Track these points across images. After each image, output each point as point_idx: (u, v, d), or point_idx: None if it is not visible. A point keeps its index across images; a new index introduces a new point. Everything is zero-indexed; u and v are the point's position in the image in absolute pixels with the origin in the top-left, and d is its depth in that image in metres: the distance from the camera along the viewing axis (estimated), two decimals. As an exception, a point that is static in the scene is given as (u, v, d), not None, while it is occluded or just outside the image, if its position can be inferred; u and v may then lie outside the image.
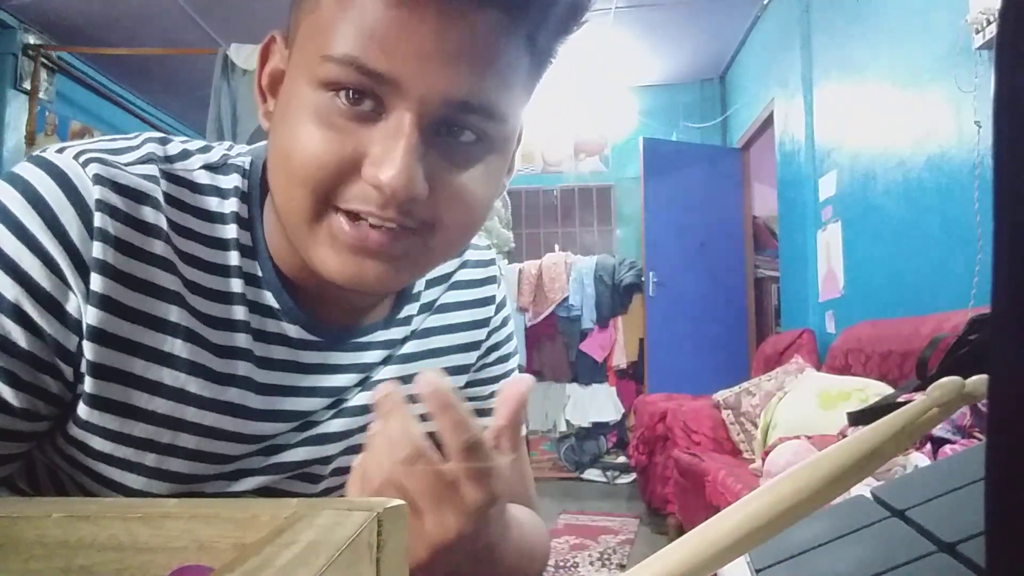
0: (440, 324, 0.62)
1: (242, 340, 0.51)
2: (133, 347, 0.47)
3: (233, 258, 0.51)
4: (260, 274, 0.52)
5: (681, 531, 2.90)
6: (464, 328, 0.64)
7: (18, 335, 0.44)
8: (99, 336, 0.45)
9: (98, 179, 0.45)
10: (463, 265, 0.65)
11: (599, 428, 4.87)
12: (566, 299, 4.98)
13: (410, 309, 0.60)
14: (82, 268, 0.44)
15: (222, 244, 0.50)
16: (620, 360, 4.96)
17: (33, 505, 0.31)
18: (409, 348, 0.60)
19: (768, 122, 4.30)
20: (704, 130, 5.36)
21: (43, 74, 3.83)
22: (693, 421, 2.92)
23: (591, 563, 2.80)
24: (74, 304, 0.45)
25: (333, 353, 0.55)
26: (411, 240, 0.46)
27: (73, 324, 0.45)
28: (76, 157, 0.46)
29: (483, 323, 0.66)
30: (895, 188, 2.61)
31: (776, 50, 4.04)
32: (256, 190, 0.52)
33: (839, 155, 3.18)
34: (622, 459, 4.72)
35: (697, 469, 2.42)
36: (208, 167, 0.52)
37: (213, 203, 0.51)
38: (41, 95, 3.83)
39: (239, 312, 0.50)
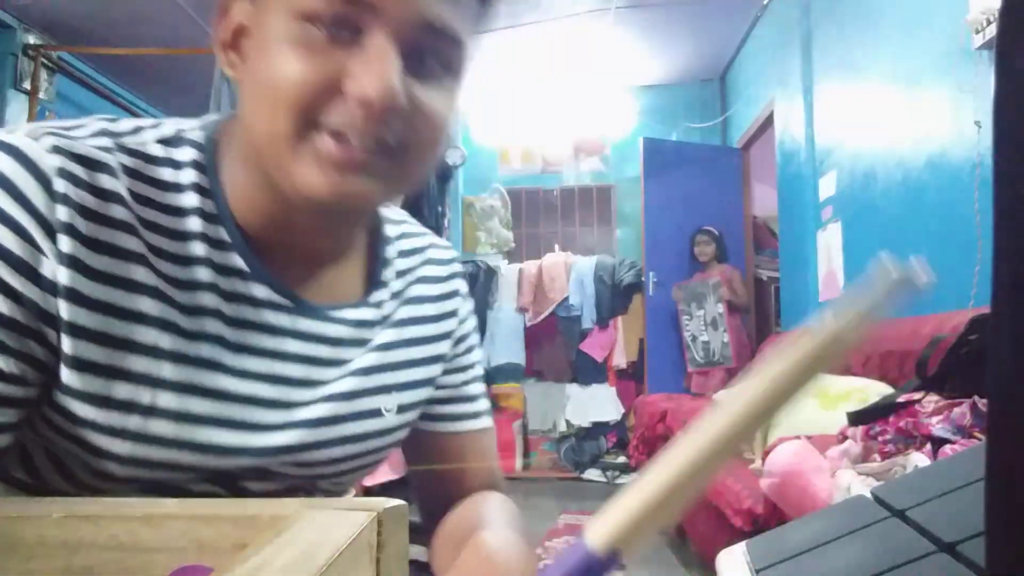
0: (414, 315, 0.65)
1: (209, 299, 0.52)
2: (104, 307, 0.48)
3: (194, 224, 0.52)
4: (226, 239, 0.53)
5: (681, 531, 2.90)
6: (436, 320, 0.67)
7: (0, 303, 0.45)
8: (71, 295, 0.47)
9: (55, 149, 0.47)
10: (427, 261, 0.69)
11: (599, 428, 4.87)
12: (566, 299, 4.98)
13: (380, 295, 0.62)
14: (50, 231, 0.46)
15: (181, 212, 0.52)
16: (620, 360, 4.96)
17: (33, 505, 0.31)
18: (387, 337, 0.62)
19: (768, 122, 4.30)
20: (704, 130, 5.36)
21: (43, 74, 3.83)
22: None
23: (591, 563, 2.80)
24: (48, 267, 0.46)
25: (302, 319, 0.56)
26: (389, 160, 0.49)
27: (48, 286, 0.46)
28: (29, 135, 0.48)
29: (452, 314, 0.69)
30: (895, 188, 2.61)
31: (776, 50, 4.04)
32: (212, 161, 0.54)
33: (839, 155, 3.18)
34: (622, 459, 4.72)
35: (697, 469, 2.42)
36: (162, 141, 0.54)
37: (167, 173, 0.53)
38: (41, 95, 3.82)
39: (204, 274, 0.52)
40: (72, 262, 0.47)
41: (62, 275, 0.46)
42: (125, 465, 0.50)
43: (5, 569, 0.29)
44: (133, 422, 0.49)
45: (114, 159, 0.50)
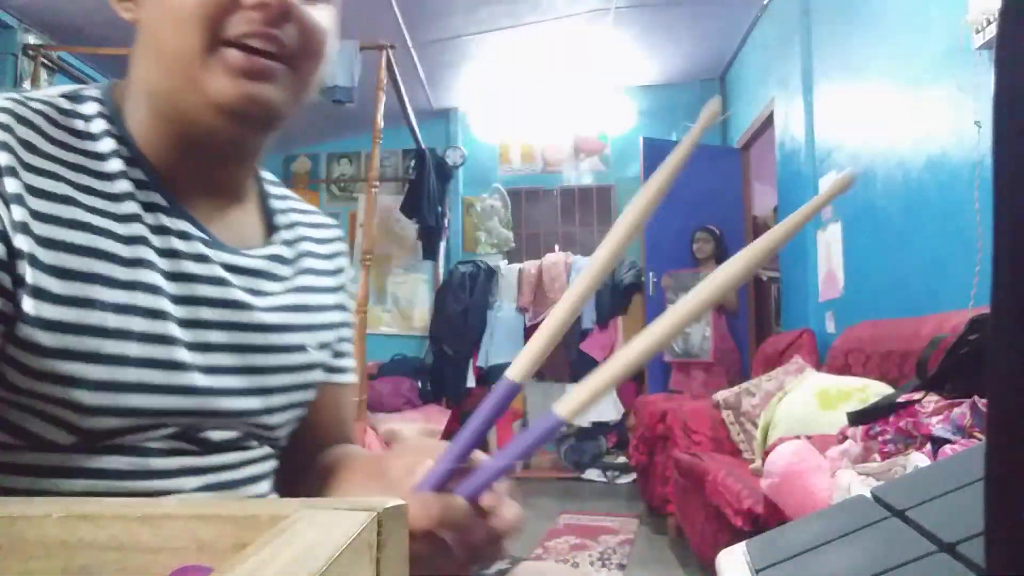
0: (313, 267, 0.72)
1: (141, 230, 0.57)
2: (49, 243, 0.53)
3: (116, 165, 0.58)
4: (144, 178, 0.59)
5: (681, 531, 2.90)
6: (331, 274, 0.75)
7: None
8: (22, 228, 0.52)
9: None
10: (314, 225, 0.77)
11: (599, 428, 4.87)
12: (566, 299, 4.98)
13: (281, 238, 0.69)
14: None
15: (101, 156, 0.58)
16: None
17: (33, 505, 0.31)
18: (299, 280, 0.69)
19: (768, 122, 4.30)
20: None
21: (43, 74, 3.83)
22: (693, 421, 2.92)
23: (591, 563, 2.80)
24: (3, 213, 0.51)
25: (221, 252, 0.62)
26: (286, 71, 0.58)
27: (6, 232, 0.51)
28: None
29: (341, 272, 0.78)
30: (895, 188, 2.61)
31: (776, 50, 4.04)
32: (115, 113, 0.60)
33: (839, 155, 3.18)
34: (622, 459, 4.72)
35: (697, 469, 2.42)
36: (65, 96, 0.60)
37: (79, 124, 0.58)
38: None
39: (133, 207, 0.57)
40: (16, 199, 0.52)
41: (16, 213, 0.51)
42: (95, 391, 0.53)
43: (5, 569, 0.29)
44: (93, 344, 0.53)
45: (28, 110, 0.55)
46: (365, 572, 0.27)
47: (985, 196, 1.99)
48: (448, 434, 4.90)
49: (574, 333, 4.99)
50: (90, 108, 0.60)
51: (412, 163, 5.34)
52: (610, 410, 4.85)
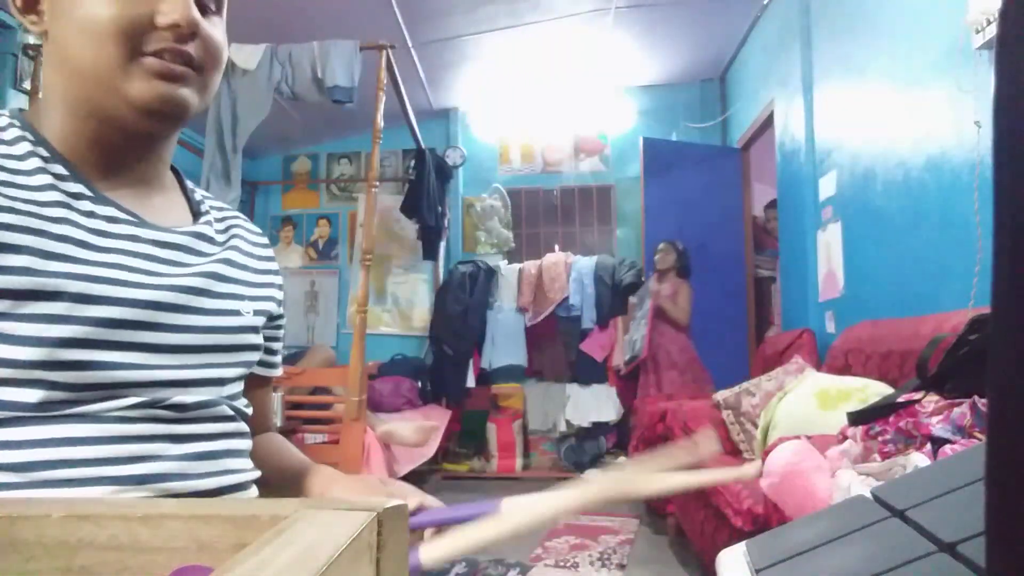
0: (243, 249, 0.79)
1: (67, 213, 0.63)
2: None
3: (34, 162, 0.64)
4: (64, 172, 0.65)
5: (681, 531, 2.90)
6: (264, 260, 0.83)
7: None
8: None
9: None
10: (240, 224, 0.83)
11: (599, 428, 4.87)
12: (566, 299, 4.97)
13: (207, 221, 0.76)
14: None
15: (19, 157, 0.63)
16: (620, 360, 4.96)
17: (33, 505, 0.31)
18: (227, 255, 0.75)
19: (768, 122, 4.30)
20: (704, 130, 5.36)
21: (43, 74, 3.83)
22: (693, 421, 2.92)
23: (591, 563, 2.80)
24: None
25: (148, 229, 0.69)
26: (194, 76, 0.67)
27: None
28: None
29: (276, 272, 0.85)
30: (895, 188, 2.61)
31: (776, 50, 4.04)
32: (26, 124, 0.67)
33: (839, 155, 3.18)
34: (622, 459, 4.72)
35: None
36: None
37: None
38: (41, 95, 3.82)
39: (55, 195, 0.63)
40: None
41: None
42: (38, 345, 0.57)
43: (5, 569, 0.29)
44: (24, 305, 0.58)
45: None
46: (365, 572, 0.27)
47: (985, 196, 1.99)
48: (448, 434, 4.90)
49: (573, 334, 5.00)
50: (1, 122, 0.66)
51: (412, 163, 5.34)
52: (610, 410, 4.85)
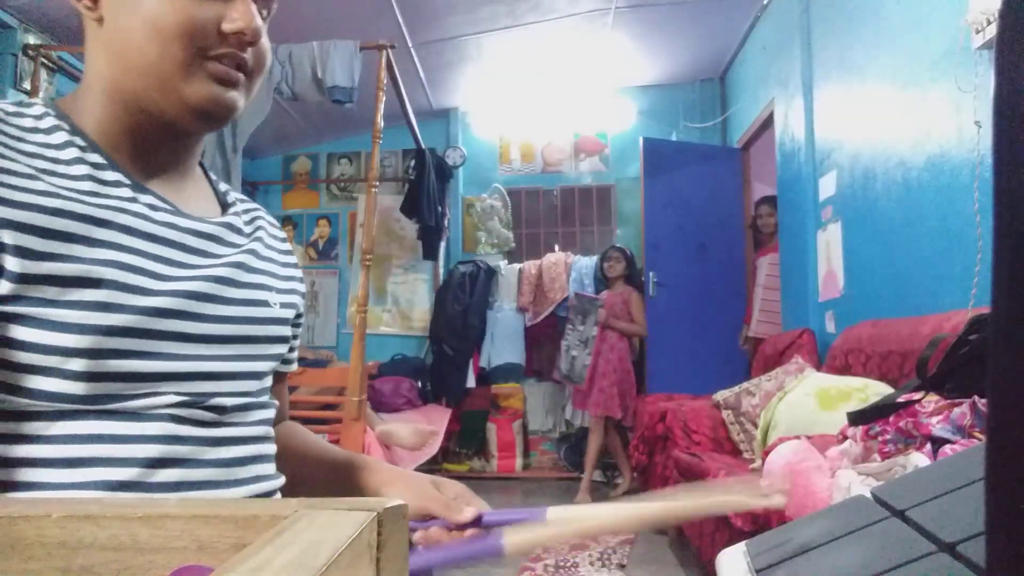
0: (269, 243, 0.81)
1: (108, 200, 0.63)
2: (23, 205, 0.57)
3: (72, 152, 0.64)
4: (102, 161, 0.65)
5: (681, 531, 2.90)
6: (286, 254, 0.84)
7: None
8: None
9: None
10: (263, 217, 0.84)
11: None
12: (566, 299, 4.97)
13: (235, 212, 0.77)
14: None
15: (56, 146, 0.63)
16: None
17: (33, 505, 0.31)
18: (254, 247, 0.76)
19: (768, 122, 4.30)
20: (704, 130, 5.36)
21: (43, 74, 3.83)
22: (693, 421, 2.92)
23: (591, 563, 2.80)
24: None
25: (182, 218, 0.69)
26: (244, 81, 0.69)
27: None
28: None
29: (296, 267, 0.86)
30: (895, 188, 2.61)
31: (776, 50, 4.04)
32: (62, 113, 0.66)
33: (839, 155, 3.18)
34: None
35: (697, 469, 2.42)
36: (9, 103, 0.65)
37: (28, 122, 0.64)
38: (41, 95, 3.83)
39: (91, 185, 0.63)
40: None
41: None
42: (79, 333, 0.57)
43: (5, 569, 0.29)
44: (65, 293, 0.58)
45: None
46: (365, 572, 0.27)
47: (985, 196, 1.99)
48: (448, 434, 4.90)
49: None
50: (36, 110, 0.66)
51: (412, 163, 5.34)
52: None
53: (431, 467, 4.85)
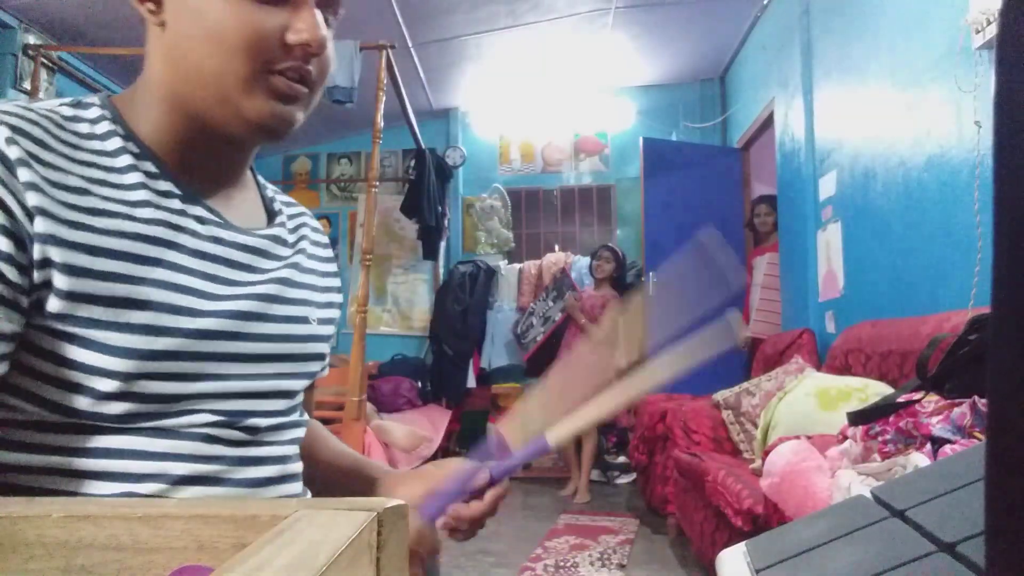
0: (312, 253, 0.79)
1: (157, 213, 0.61)
2: (74, 225, 0.56)
3: (125, 159, 0.62)
4: (154, 170, 0.64)
5: (681, 531, 2.90)
6: (328, 262, 0.83)
7: None
8: (40, 212, 0.55)
9: None
10: (307, 223, 0.83)
11: (599, 428, 4.87)
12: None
13: (281, 222, 0.76)
14: (19, 200, 0.54)
15: (109, 153, 0.62)
16: (620, 360, 4.95)
17: (33, 505, 0.31)
18: (297, 259, 0.75)
19: (768, 122, 4.30)
20: (704, 130, 5.36)
21: (43, 74, 3.83)
22: (693, 421, 2.92)
23: (591, 563, 2.80)
24: (23, 221, 0.54)
25: (230, 231, 0.67)
26: (306, 95, 0.65)
27: (25, 232, 0.54)
28: None
29: (337, 275, 0.84)
30: (895, 188, 2.61)
31: (776, 50, 4.04)
32: (117, 116, 0.65)
33: (839, 155, 3.18)
34: (622, 459, 4.72)
35: (697, 469, 2.42)
36: (67, 105, 0.64)
37: (83, 127, 0.62)
38: (41, 95, 3.82)
39: (145, 195, 0.62)
40: (36, 190, 0.55)
41: (33, 200, 0.54)
42: (125, 358, 0.56)
43: (5, 569, 0.29)
44: (111, 313, 0.56)
45: (37, 116, 0.59)
46: (365, 572, 0.27)
47: (985, 196, 1.99)
48: (448, 434, 4.90)
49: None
50: (93, 113, 0.64)
51: (412, 163, 5.34)
52: (610, 410, 4.85)
53: (431, 467, 4.85)
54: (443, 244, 5.53)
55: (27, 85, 3.76)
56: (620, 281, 4.58)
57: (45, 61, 3.82)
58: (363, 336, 3.27)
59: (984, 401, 1.19)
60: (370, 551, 0.27)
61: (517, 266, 5.33)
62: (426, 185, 4.94)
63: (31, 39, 3.80)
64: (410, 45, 4.51)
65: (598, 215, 5.64)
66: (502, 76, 5.18)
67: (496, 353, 5.11)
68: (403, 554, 0.29)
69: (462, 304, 5.14)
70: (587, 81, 5.33)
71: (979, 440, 1.15)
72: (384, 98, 3.48)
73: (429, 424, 4.53)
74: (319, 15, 0.64)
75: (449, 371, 5.12)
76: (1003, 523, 0.23)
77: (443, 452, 5.00)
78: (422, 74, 4.99)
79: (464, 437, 5.12)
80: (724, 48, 4.96)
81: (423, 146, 4.89)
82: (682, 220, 4.75)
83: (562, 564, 2.78)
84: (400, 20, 4.20)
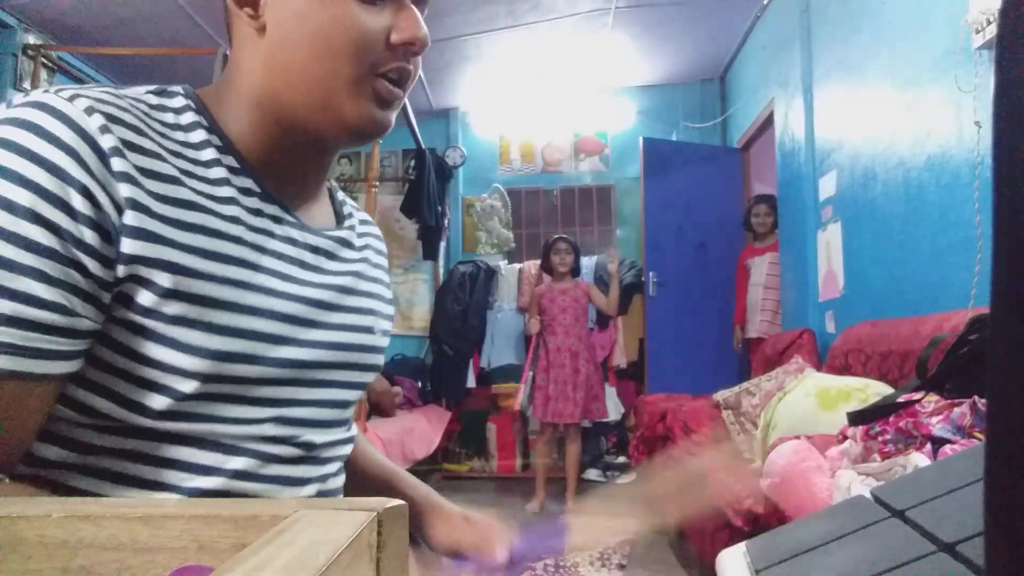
0: (372, 260, 0.78)
1: (238, 211, 0.60)
2: (166, 220, 0.55)
3: (210, 153, 0.61)
4: (236, 165, 0.62)
5: (680, 531, 2.90)
6: (383, 271, 0.81)
7: (38, 234, 0.49)
8: (131, 204, 0.53)
9: (89, 110, 0.53)
10: (370, 230, 0.81)
11: (599, 428, 4.87)
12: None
13: (349, 225, 0.75)
14: (106, 180, 0.52)
15: (194, 145, 0.60)
16: (620, 360, 4.96)
17: (33, 505, 0.31)
18: (359, 266, 0.73)
19: (768, 122, 4.30)
20: (704, 130, 5.36)
21: (43, 74, 3.83)
22: (693, 421, 2.92)
23: (591, 563, 2.80)
24: (79, 201, 0.51)
25: (298, 231, 0.66)
26: (400, 95, 0.64)
27: (84, 219, 0.51)
28: (59, 97, 0.53)
29: (388, 285, 0.82)
30: (895, 188, 2.61)
31: (776, 50, 4.04)
32: (202, 108, 0.63)
33: (839, 155, 3.18)
34: (622, 459, 4.72)
35: (697, 469, 2.42)
36: (153, 93, 0.62)
37: (169, 117, 0.61)
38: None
39: (230, 191, 0.60)
40: (129, 181, 0.53)
41: (123, 190, 0.53)
42: (206, 359, 0.55)
43: (5, 569, 0.29)
44: (196, 312, 0.55)
45: (125, 101, 0.57)
46: (365, 572, 0.27)
47: (985, 196, 1.99)
48: (448, 434, 4.90)
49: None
50: (177, 102, 0.62)
51: (412, 163, 5.34)
52: (610, 410, 4.85)
53: (431, 467, 4.85)
54: (443, 244, 5.52)
55: (27, 85, 3.75)
56: (578, 272, 4.26)
57: (45, 61, 3.82)
58: (363, 336, 3.27)
59: (984, 401, 1.19)
60: (370, 551, 0.27)
61: (517, 266, 5.33)
62: (426, 185, 4.94)
63: (31, 39, 3.80)
64: (410, 45, 4.51)
65: (598, 215, 5.64)
66: (502, 76, 5.18)
67: (496, 353, 5.10)
68: (403, 554, 0.29)
69: (462, 304, 5.14)
70: (587, 81, 5.33)
71: (979, 440, 1.15)
72: (384, 98, 3.48)
73: (429, 424, 4.53)
74: (418, 13, 0.63)
75: (449, 371, 5.12)
76: (1003, 523, 0.23)
77: (443, 452, 5.01)
78: (422, 74, 4.98)
79: (464, 437, 5.12)
80: (724, 48, 4.96)
81: (423, 146, 4.89)
82: (682, 220, 4.75)
83: (562, 564, 2.78)
84: (400, 20, 4.20)
